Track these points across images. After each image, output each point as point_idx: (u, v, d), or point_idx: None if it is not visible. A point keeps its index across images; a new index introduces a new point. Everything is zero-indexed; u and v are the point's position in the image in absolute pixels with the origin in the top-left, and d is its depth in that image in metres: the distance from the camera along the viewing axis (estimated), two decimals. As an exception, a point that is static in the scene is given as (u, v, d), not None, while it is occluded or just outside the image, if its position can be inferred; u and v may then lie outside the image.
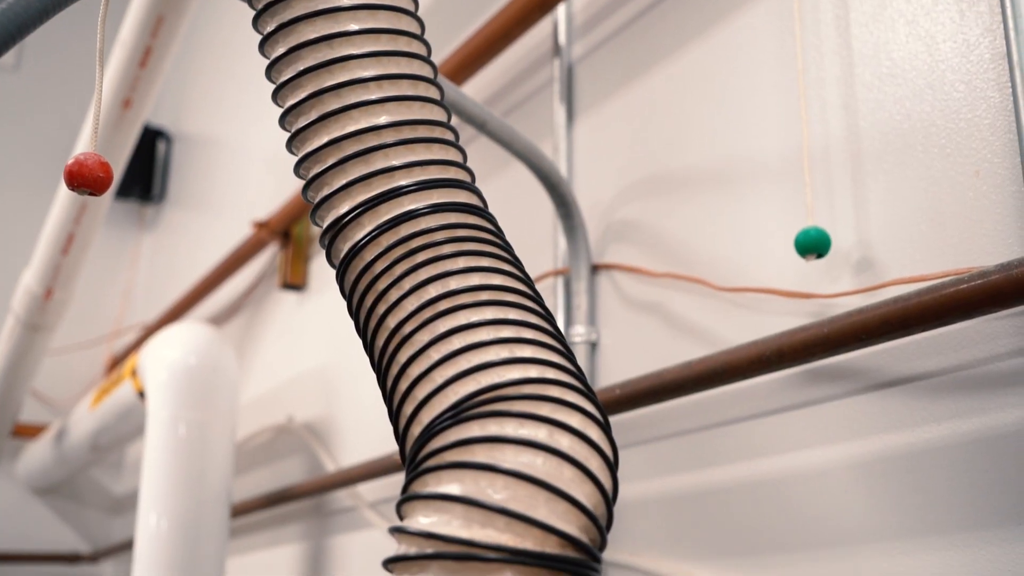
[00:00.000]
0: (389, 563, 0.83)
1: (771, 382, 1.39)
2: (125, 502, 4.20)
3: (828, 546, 1.28)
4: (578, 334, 1.73)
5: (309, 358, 2.86)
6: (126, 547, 3.69)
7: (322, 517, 2.62)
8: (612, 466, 0.86)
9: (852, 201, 1.32)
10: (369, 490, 2.34)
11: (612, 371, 1.68)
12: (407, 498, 0.84)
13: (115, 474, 4.45)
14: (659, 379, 1.44)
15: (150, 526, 2.36)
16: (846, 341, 1.19)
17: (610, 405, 1.50)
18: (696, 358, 1.38)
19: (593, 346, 1.73)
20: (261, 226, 2.99)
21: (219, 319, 3.55)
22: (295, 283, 2.95)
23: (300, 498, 2.60)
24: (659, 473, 1.56)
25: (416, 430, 0.87)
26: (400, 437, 0.91)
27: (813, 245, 1.27)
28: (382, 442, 2.30)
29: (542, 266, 1.86)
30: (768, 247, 1.44)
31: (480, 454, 0.81)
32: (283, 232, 2.97)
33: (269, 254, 3.19)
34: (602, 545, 0.85)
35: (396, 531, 0.83)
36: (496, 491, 0.79)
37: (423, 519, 0.81)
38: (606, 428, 0.87)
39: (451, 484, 0.81)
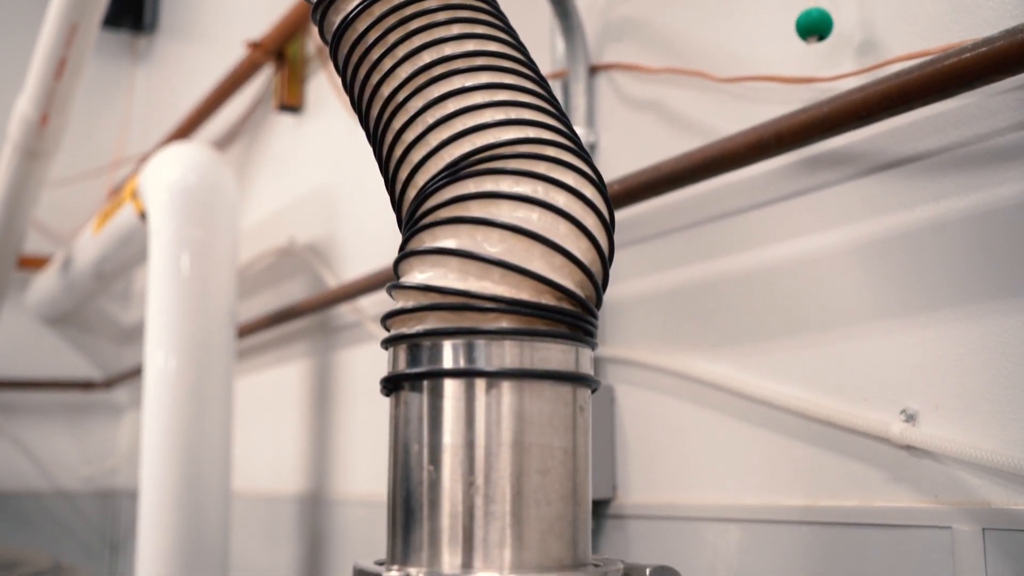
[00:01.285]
0: (387, 318, 0.84)
1: (769, 172, 1.39)
2: (134, 332, 4.26)
3: (824, 330, 1.30)
4: (577, 136, 1.72)
5: (308, 179, 2.85)
6: (138, 373, 3.76)
7: (327, 334, 2.66)
8: (608, 225, 0.86)
9: (856, -20, 1.29)
10: (371, 304, 2.37)
11: (611, 172, 1.67)
12: (404, 256, 0.84)
13: (123, 304, 4.50)
14: (657, 172, 1.44)
15: (158, 351, 2.40)
16: (846, 120, 1.17)
17: (609, 201, 1.49)
18: (694, 148, 1.37)
19: (592, 148, 1.72)
20: (255, 47, 2.93)
21: (218, 146, 3.52)
22: (291, 104, 2.91)
23: (304, 315, 2.64)
24: (657, 269, 1.57)
25: (412, 193, 0.87)
26: (396, 203, 0.91)
27: (814, 26, 1.24)
28: (383, 257, 2.31)
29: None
30: (768, 33, 1.41)
31: (475, 209, 0.81)
32: (277, 52, 2.92)
33: (264, 77, 3.14)
34: (598, 303, 0.86)
35: (393, 288, 0.85)
36: (491, 244, 0.80)
37: (419, 275, 0.82)
38: (602, 188, 0.87)
39: (447, 239, 0.81)
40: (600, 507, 1.59)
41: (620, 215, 1.60)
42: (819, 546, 1.27)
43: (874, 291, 1.24)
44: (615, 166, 1.67)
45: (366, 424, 2.42)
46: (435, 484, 0.78)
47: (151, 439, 2.38)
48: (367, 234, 2.50)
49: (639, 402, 1.58)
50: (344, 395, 2.55)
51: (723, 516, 1.41)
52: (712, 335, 1.47)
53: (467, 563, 0.76)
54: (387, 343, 0.84)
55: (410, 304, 0.82)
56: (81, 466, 4.33)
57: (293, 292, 2.86)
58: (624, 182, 1.49)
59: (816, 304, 1.32)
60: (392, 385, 0.83)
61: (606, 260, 0.85)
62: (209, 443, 2.41)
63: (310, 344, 2.76)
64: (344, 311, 2.54)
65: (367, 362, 2.45)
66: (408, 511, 0.79)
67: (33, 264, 4.10)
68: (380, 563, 0.82)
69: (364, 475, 2.41)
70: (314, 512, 2.63)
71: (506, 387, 0.78)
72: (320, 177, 2.78)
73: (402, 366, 0.81)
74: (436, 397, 0.79)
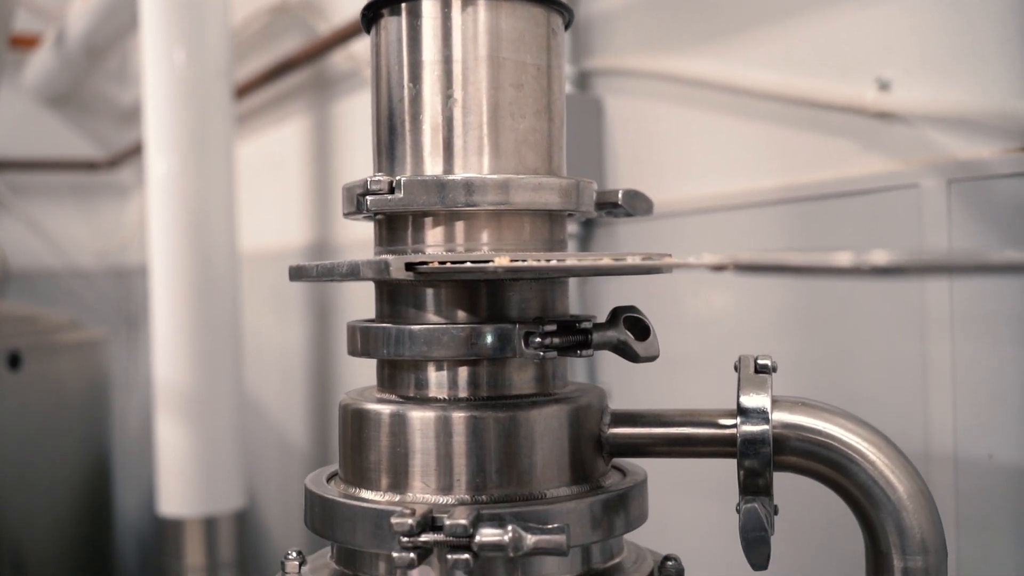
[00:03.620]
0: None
1: None
2: (134, 112, 4.27)
3: (803, 12, 1.32)
4: None
5: (297, -68, 2.80)
6: (140, 152, 3.79)
7: (323, 87, 2.68)
8: None
9: None
10: (365, 48, 2.37)
11: None
12: None
13: (120, 83, 4.49)
14: None
15: (156, 119, 2.42)
16: None
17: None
18: None
19: None
20: None
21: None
22: None
23: (300, 66, 2.64)
24: (644, -24, 1.58)
25: None
26: None
27: None
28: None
29: None
30: None
31: None
32: None
33: None
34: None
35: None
36: None
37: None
38: None
39: None
40: (590, 214, 1.65)
41: (606, -79, 1.59)
42: (796, 221, 1.33)
43: (854, -33, 1.25)
44: None
45: (366, 170, 2.47)
46: (416, 99, 0.82)
47: (157, 212, 2.44)
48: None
49: (626, 111, 1.61)
50: (343, 145, 2.59)
51: (707, 207, 1.46)
52: (696, 33, 1.48)
53: (448, 169, 0.82)
54: (366, -23, 0.86)
55: (385, -71, 0.84)
56: (92, 244, 4.43)
57: (289, 52, 2.85)
58: None
59: (798, -12, 1.33)
60: (372, 14, 0.86)
61: None
62: (214, 211, 2.47)
63: (307, 99, 2.78)
64: (339, 60, 2.54)
65: (364, 111, 2.47)
66: (391, 128, 0.84)
67: (26, 43, 4.07)
68: (367, 181, 0.87)
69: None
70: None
71: (482, 5, 0.81)
72: (308, -72, 2.73)
73: (381, -9, 0.84)
74: (414, 18, 0.82)
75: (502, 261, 0.68)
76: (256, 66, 3.00)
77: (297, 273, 0.89)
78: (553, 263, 0.62)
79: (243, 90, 2.87)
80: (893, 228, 1.20)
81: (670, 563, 0.87)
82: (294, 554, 0.89)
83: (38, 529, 2.53)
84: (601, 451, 0.86)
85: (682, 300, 1.50)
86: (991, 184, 1.10)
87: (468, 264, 0.71)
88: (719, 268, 0.51)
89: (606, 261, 0.60)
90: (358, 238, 2.49)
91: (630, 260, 0.60)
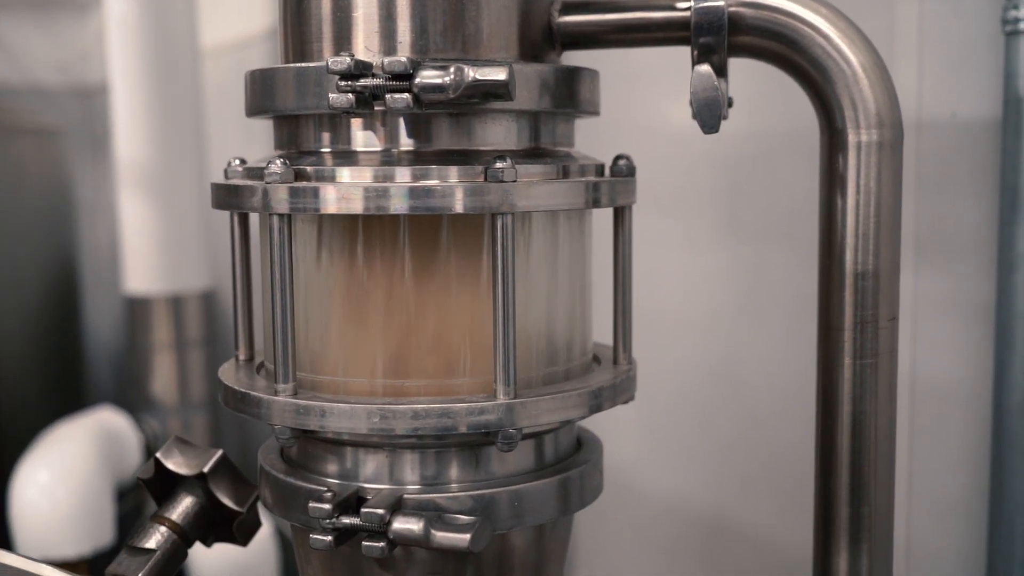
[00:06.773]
0: None
1: None
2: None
3: None
4: None
5: None
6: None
7: None
8: None
9: None
10: None
11: None
12: None
13: None
14: None
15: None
16: None
17: None
18: None
19: None
20: None
21: None
22: None
23: None
24: None
25: None
26: None
27: None
28: None
29: None
30: None
31: None
32: None
33: None
34: None
35: None
36: None
37: None
38: None
39: None
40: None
41: None
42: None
43: None
44: None
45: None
46: None
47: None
48: None
49: None
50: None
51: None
52: None
53: None
54: None
55: None
56: (52, 57, 4.31)
57: None
58: None
59: None
60: None
61: None
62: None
63: None
64: None
65: None
66: None
67: None
68: None
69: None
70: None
71: None
72: None
73: None
74: None
75: None
76: None
77: None
78: None
79: None
80: None
81: (622, 161, 0.85)
82: (237, 161, 0.87)
83: (4, 312, 2.52)
84: (552, 42, 0.84)
85: None
86: None
87: None
88: None
89: None
90: (321, 12, 2.42)
91: None
